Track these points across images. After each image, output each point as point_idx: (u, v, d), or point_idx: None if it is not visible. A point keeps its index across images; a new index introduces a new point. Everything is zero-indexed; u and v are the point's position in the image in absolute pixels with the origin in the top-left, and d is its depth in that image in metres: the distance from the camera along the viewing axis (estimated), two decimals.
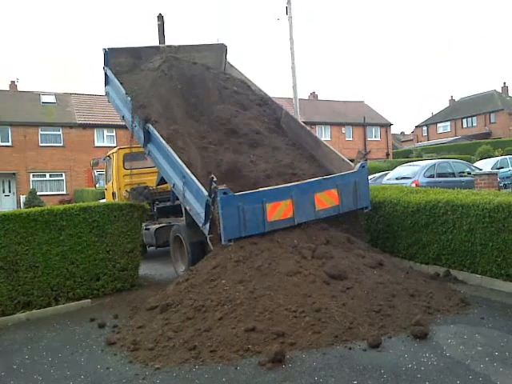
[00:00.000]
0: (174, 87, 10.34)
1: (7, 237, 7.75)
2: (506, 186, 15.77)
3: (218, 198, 7.19)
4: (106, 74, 11.12)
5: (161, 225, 11.11)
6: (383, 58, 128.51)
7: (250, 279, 6.45)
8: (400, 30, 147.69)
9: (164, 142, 8.71)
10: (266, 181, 8.36)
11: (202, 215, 7.78)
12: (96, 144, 33.64)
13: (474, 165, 18.28)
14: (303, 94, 50.75)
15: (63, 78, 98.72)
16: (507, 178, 16.65)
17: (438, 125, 60.40)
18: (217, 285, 6.49)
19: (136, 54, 11.39)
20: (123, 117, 10.60)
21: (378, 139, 45.59)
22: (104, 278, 8.59)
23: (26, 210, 8.35)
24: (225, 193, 7.23)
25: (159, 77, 10.51)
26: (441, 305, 6.36)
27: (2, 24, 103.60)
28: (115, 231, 8.73)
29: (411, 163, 18.09)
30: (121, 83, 10.34)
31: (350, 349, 5.16)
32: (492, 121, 53.63)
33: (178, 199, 9.65)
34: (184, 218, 9.37)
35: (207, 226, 7.71)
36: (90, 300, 8.29)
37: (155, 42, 11.76)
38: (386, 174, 18.41)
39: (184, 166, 8.20)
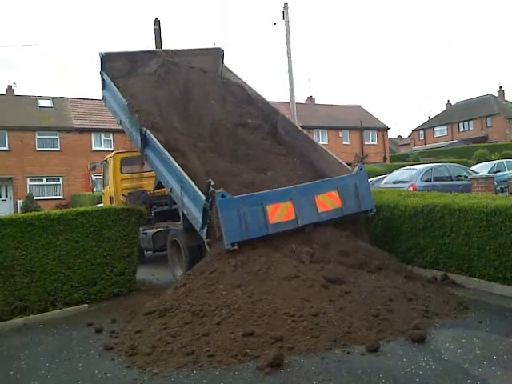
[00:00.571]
0: (171, 92, 10.35)
1: (4, 241, 7.73)
2: (502, 190, 15.79)
3: (217, 202, 7.16)
4: (102, 78, 11.11)
5: (158, 229, 11.08)
6: (380, 62, 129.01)
7: (248, 284, 6.45)
8: (398, 32, 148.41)
9: (161, 146, 8.71)
10: (262, 186, 8.34)
11: (200, 219, 7.77)
12: (93, 148, 33.54)
13: (471, 169, 18.33)
14: (300, 98, 50.75)
15: (63, 79, 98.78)
16: (504, 181, 16.69)
17: (435, 129, 60.53)
18: (215, 289, 6.48)
19: (133, 59, 11.39)
20: (120, 121, 10.60)
21: (375, 143, 45.63)
22: (101, 283, 8.56)
23: (23, 214, 8.35)
24: (223, 196, 7.21)
25: (156, 81, 10.52)
26: (439, 309, 6.36)
27: (2, 24, 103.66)
28: (112, 236, 8.71)
29: (408, 167, 18.13)
30: (117, 88, 10.33)
31: (349, 353, 5.15)
32: (488, 125, 53.77)
33: (175, 203, 9.64)
34: (181, 222, 9.36)
35: (205, 230, 7.69)
36: (87, 305, 8.26)
37: (153, 46, 11.78)
38: (384, 177, 18.43)
39: (181, 170, 8.19)
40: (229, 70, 12.11)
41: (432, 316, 6.13)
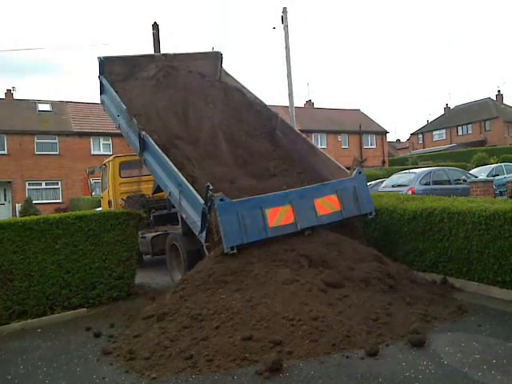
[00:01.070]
0: (170, 96, 10.36)
1: (2, 246, 7.71)
2: (501, 194, 15.82)
3: (216, 205, 7.16)
4: (101, 82, 11.13)
5: (157, 233, 11.07)
6: (379, 66, 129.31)
7: (247, 288, 6.43)
8: (396, 35, 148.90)
9: (160, 150, 8.71)
10: (261, 190, 8.33)
11: (199, 223, 7.76)
12: (92, 152, 33.56)
13: (470, 172, 18.34)
14: (299, 102, 50.94)
15: (63, 79, 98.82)
16: (502, 185, 16.71)
17: (434, 132, 60.68)
18: (213, 293, 6.46)
19: (131, 63, 11.41)
20: (119, 125, 10.60)
21: (374, 147, 45.70)
22: (100, 287, 8.54)
23: (22, 218, 8.33)
24: (222, 199, 7.20)
25: (154, 85, 10.53)
26: (438, 312, 6.35)
27: (2, 24, 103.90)
28: (111, 240, 8.69)
29: (407, 171, 18.12)
30: (116, 92, 10.35)
31: (348, 357, 5.13)
32: (487, 128, 53.91)
33: (174, 207, 9.64)
34: (180, 226, 9.35)
35: (203, 234, 7.68)
36: (85, 309, 8.24)
37: (151, 51, 11.81)
38: (382, 181, 18.44)
39: (180, 174, 8.19)
40: (228, 73, 12.13)
41: (431, 320, 6.11)
